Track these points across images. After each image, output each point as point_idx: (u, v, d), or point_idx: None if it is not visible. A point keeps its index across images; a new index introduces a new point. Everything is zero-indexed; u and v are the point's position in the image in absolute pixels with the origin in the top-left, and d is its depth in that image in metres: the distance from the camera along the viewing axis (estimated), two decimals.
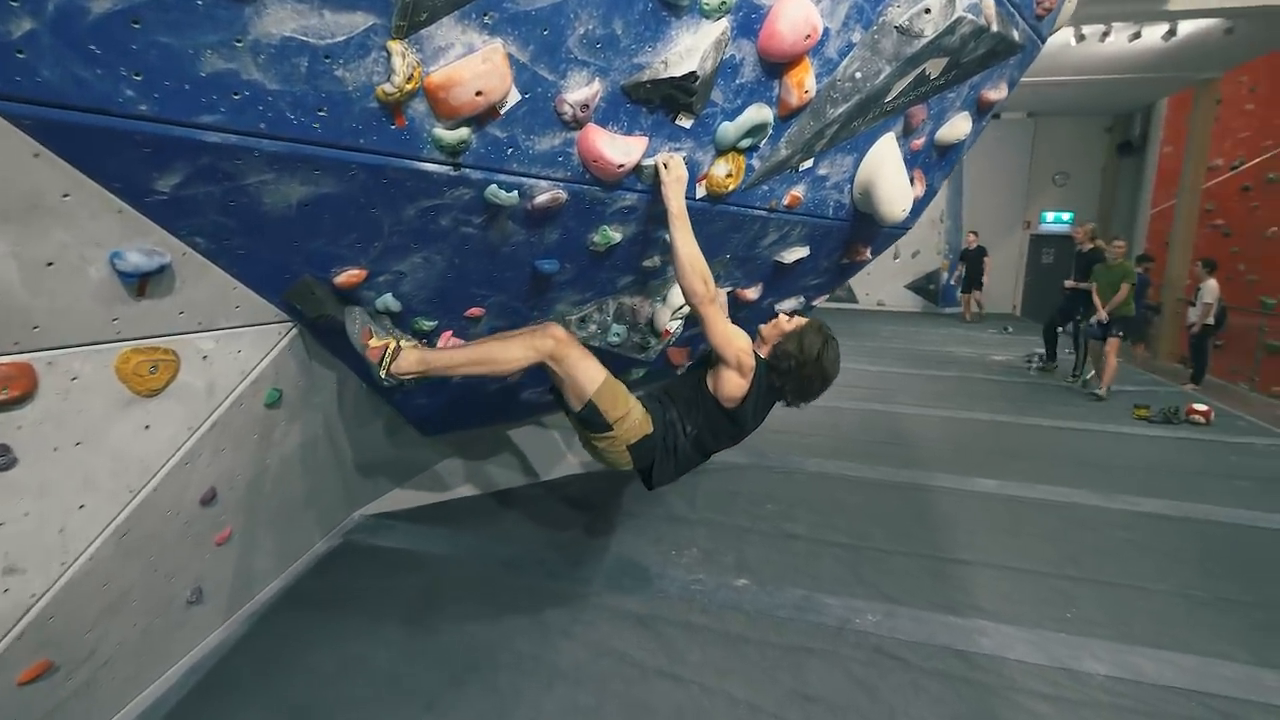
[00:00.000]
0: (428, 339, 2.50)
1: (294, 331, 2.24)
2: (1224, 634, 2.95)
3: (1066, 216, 14.00)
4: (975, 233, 13.06)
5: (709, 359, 2.56)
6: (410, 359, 2.21)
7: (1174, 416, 6.23)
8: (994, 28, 2.54)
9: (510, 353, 2.23)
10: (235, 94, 1.42)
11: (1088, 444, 5.68)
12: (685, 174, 2.19)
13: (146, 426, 1.84)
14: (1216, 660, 2.77)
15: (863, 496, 4.37)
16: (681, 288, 2.26)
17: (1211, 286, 7.98)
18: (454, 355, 2.28)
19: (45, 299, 1.51)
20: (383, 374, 2.16)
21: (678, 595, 3.15)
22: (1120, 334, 7.16)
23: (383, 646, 2.70)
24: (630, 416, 2.33)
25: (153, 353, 1.78)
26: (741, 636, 2.85)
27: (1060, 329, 8.79)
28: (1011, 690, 2.55)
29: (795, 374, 2.41)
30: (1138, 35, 8.30)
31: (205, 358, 1.95)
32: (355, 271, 2.05)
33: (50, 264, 1.48)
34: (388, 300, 2.24)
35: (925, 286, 14.80)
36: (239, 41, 1.36)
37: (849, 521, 3.96)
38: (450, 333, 2.60)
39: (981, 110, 3.10)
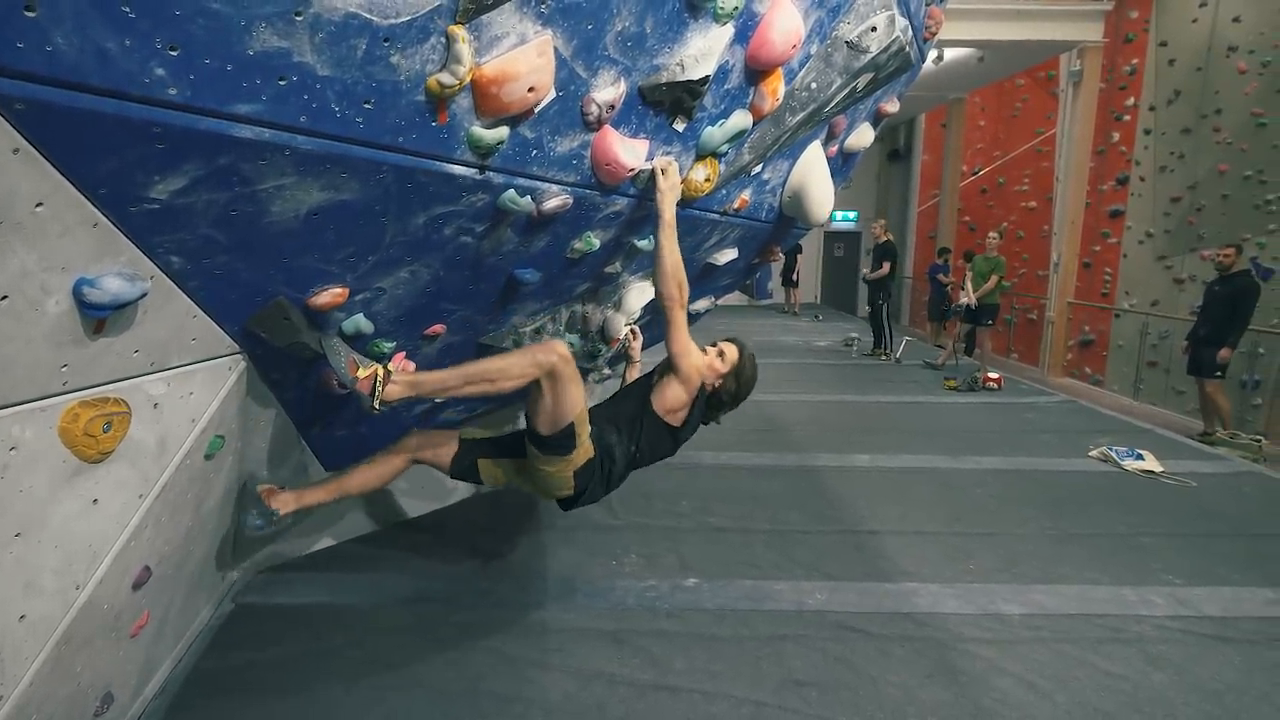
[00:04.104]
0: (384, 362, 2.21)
1: (243, 365, 1.86)
2: (1085, 563, 3.54)
3: (852, 215, 15.84)
4: None
5: (654, 375, 2.56)
6: (399, 384, 1.95)
7: (975, 385, 7.33)
8: (908, 48, 2.80)
9: (511, 370, 2.05)
10: (281, 80, 1.14)
11: (920, 414, 6.49)
12: (679, 180, 2.16)
13: (95, 501, 1.42)
14: (1089, 586, 3.32)
15: (765, 483, 4.60)
16: (658, 290, 2.26)
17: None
18: (445, 376, 2.05)
19: None
20: (376, 405, 1.88)
21: (638, 605, 3.09)
22: (989, 322, 8.21)
23: None
24: (586, 438, 2.30)
25: (104, 405, 1.38)
26: (714, 635, 2.88)
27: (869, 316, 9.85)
28: (958, 641, 2.85)
29: (732, 403, 2.67)
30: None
31: (156, 405, 1.55)
32: (338, 290, 1.75)
33: (4, 298, 1.09)
34: (359, 322, 1.94)
35: (744, 282, 15.94)
36: (299, 15, 1.10)
37: (763, 508, 4.15)
38: (403, 354, 2.33)
39: (877, 121, 3.41)
